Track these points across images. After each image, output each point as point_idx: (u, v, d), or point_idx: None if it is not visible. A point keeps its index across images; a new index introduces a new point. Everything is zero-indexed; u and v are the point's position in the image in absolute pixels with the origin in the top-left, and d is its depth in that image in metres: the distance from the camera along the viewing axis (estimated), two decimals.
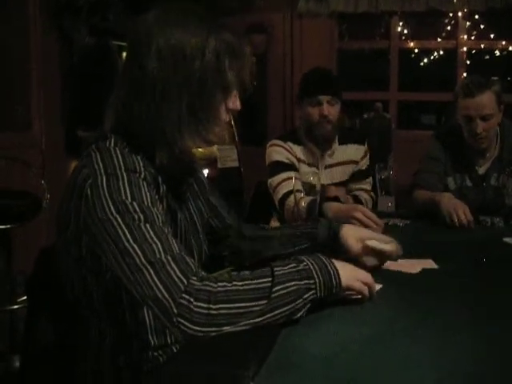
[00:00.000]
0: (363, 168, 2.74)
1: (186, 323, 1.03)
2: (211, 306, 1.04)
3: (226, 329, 1.05)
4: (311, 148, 2.66)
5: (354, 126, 4.77)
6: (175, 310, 1.03)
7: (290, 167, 2.54)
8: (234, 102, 1.28)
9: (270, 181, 2.57)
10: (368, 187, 2.70)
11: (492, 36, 5.26)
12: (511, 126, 2.71)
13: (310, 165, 2.64)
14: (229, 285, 1.08)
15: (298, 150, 2.65)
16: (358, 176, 2.71)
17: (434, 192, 2.59)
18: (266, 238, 1.62)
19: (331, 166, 2.69)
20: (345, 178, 2.70)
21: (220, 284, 1.08)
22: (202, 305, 1.04)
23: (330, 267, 1.21)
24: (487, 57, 5.47)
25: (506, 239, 2.05)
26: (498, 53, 5.33)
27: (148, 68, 1.22)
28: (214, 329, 1.04)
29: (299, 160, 2.62)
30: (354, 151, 2.74)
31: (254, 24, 5.17)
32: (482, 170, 2.73)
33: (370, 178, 2.66)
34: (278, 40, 5.32)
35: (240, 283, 1.10)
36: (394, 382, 0.94)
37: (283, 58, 5.30)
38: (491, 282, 1.58)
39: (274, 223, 2.61)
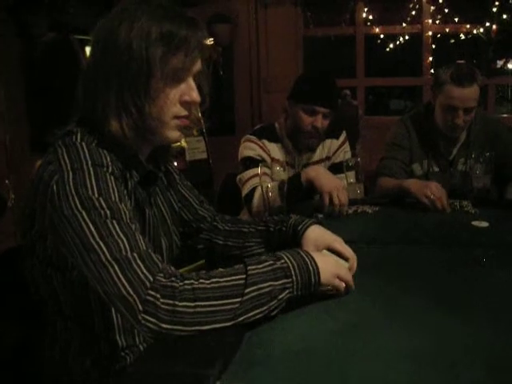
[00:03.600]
0: (336, 161, 2.69)
1: (152, 320, 1.01)
2: (176, 302, 1.02)
3: (197, 328, 1.03)
4: (289, 147, 2.61)
5: None
6: (140, 307, 1.01)
7: (260, 163, 2.47)
8: (189, 95, 1.24)
9: (239, 176, 2.53)
10: (348, 180, 2.52)
11: (456, 20, 5.28)
12: (479, 111, 2.72)
13: (286, 164, 2.57)
14: (196, 283, 1.06)
15: (274, 149, 2.60)
16: (332, 170, 2.64)
17: (398, 179, 2.60)
18: (240, 233, 1.58)
19: (308, 164, 2.65)
20: None
21: (186, 282, 1.05)
22: (168, 301, 1.02)
23: (310, 265, 1.19)
24: (452, 41, 5.49)
25: (475, 222, 2.06)
26: (462, 36, 5.36)
27: (93, 58, 1.22)
28: (180, 327, 1.02)
29: (273, 159, 2.55)
30: (329, 147, 2.71)
31: (218, 14, 5.12)
32: (450, 156, 2.74)
33: (353, 172, 2.50)
34: (243, 30, 5.27)
35: (208, 281, 1.07)
36: (363, 375, 0.93)
37: (249, 48, 5.26)
38: (458, 265, 1.58)
39: (244, 215, 2.58)
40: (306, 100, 2.46)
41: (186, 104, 1.24)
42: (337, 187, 2.18)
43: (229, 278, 1.09)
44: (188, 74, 1.23)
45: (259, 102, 5.23)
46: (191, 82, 1.24)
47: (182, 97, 1.23)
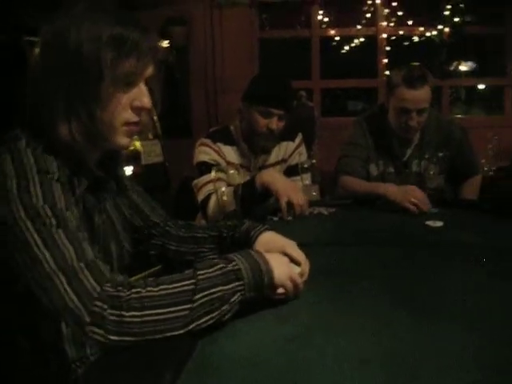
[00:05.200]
0: (292, 164, 2.66)
1: (100, 331, 0.98)
2: (123, 313, 0.99)
3: (147, 338, 1.00)
4: (245, 150, 2.58)
5: None
6: (87, 319, 0.98)
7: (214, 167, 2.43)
8: (140, 100, 1.21)
9: (195, 182, 2.49)
10: (303, 182, 2.50)
11: (410, 23, 5.37)
12: (432, 112, 2.75)
13: (242, 166, 2.54)
14: (143, 291, 1.03)
15: (229, 152, 2.55)
16: (288, 173, 2.62)
17: (361, 178, 2.60)
18: (194, 238, 1.55)
19: (264, 167, 2.62)
20: None
21: (134, 290, 1.02)
22: (115, 312, 0.98)
23: (262, 266, 1.17)
24: (406, 43, 5.58)
25: (428, 222, 2.08)
26: (416, 39, 5.44)
27: (41, 60, 1.17)
28: (128, 338, 0.99)
29: (229, 163, 2.51)
30: (285, 149, 2.69)
31: (173, 17, 5.09)
32: (404, 157, 2.76)
33: (308, 174, 2.49)
34: (198, 32, 5.25)
35: (156, 289, 1.04)
36: (316, 379, 0.91)
37: (204, 50, 5.24)
38: (414, 265, 1.59)
39: (200, 220, 2.54)
40: (260, 102, 2.42)
41: (137, 110, 1.21)
42: (293, 190, 2.17)
43: (177, 285, 1.06)
44: (140, 78, 1.20)
45: (215, 103, 5.21)
46: (143, 87, 1.21)
47: (133, 102, 1.20)
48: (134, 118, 1.21)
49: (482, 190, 2.92)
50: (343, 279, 1.44)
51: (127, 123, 1.20)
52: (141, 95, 1.20)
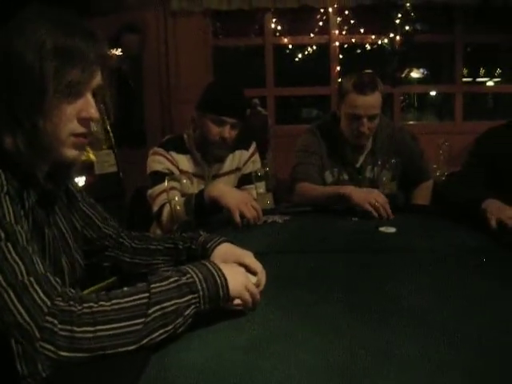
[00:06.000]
0: (246, 172, 2.66)
1: (51, 348, 0.95)
2: (75, 328, 0.96)
3: (99, 354, 0.97)
4: (198, 159, 2.56)
5: None
6: (38, 335, 0.95)
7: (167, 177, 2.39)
8: (87, 111, 1.18)
9: (149, 192, 2.46)
10: (257, 190, 2.51)
11: (362, 31, 5.44)
12: (384, 119, 2.78)
13: (195, 175, 2.54)
14: (95, 305, 1.00)
15: (183, 160, 2.53)
16: (243, 182, 2.64)
17: (317, 184, 2.61)
18: (149, 250, 1.54)
19: (218, 176, 2.61)
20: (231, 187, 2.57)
21: (85, 305, 0.99)
22: (66, 327, 0.96)
23: (218, 278, 1.16)
24: (358, 51, 5.65)
25: (382, 228, 2.10)
26: (368, 47, 5.52)
27: None
28: (80, 354, 0.96)
29: (182, 171, 2.49)
30: (239, 158, 2.68)
31: (127, 24, 5.04)
32: (357, 164, 2.79)
33: (263, 182, 2.50)
34: (152, 39, 5.21)
35: (108, 303, 1.01)
36: None
37: (158, 58, 5.21)
38: (367, 272, 1.60)
39: (155, 229, 2.51)
40: (213, 110, 2.42)
41: (83, 121, 1.18)
42: (243, 202, 2.15)
43: (130, 299, 1.04)
44: (86, 89, 1.17)
45: (170, 112, 5.17)
46: (89, 97, 1.18)
47: (79, 113, 1.16)
48: (81, 130, 1.18)
49: (433, 196, 2.98)
50: (299, 288, 1.44)
51: (74, 135, 1.17)
52: (87, 106, 1.17)
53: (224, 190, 2.24)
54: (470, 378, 0.94)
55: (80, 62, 1.13)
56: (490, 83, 7.11)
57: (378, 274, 1.57)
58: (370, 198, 2.27)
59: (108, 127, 3.85)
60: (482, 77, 7.39)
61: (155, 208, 2.39)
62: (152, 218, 2.55)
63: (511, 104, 6.01)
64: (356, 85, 2.54)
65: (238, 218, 2.12)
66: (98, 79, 1.19)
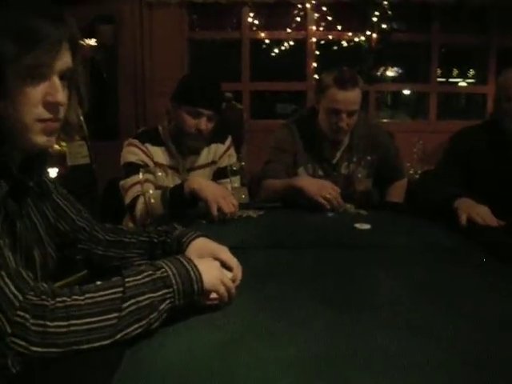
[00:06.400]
0: (222, 166, 2.64)
1: (22, 343, 0.92)
2: (48, 323, 0.94)
3: (72, 349, 0.95)
4: (173, 151, 2.54)
5: None
6: (9, 330, 0.92)
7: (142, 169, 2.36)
8: (53, 95, 1.12)
9: (121, 183, 2.42)
10: (232, 184, 2.48)
11: (339, 28, 5.46)
12: (362, 116, 2.79)
13: (170, 168, 2.51)
14: (68, 300, 0.98)
15: (158, 153, 2.50)
16: (218, 175, 2.62)
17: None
18: (122, 243, 1.51)
19: (193, 169, 2.60)
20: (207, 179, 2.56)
21: (58, 299, 0.97)
22: (39, 322, 0.93)
23: (192, 272, 1.14)
24: (335, 47, 5.66)
25: (357, 225, 2.10)
26: (345, 44, 5.53)
27: None
28: (53, 349, 0.94)
29: (157, 163, 2.46)
30: (214, 151, 2.66)
31: (102, 14, 4.98)
32: (333, 160, 2.79)
33: (238, 177, 2.47)
34: (127, 30, 5.15)
35: (82, 297, 0.99)
36: None
37: (133, 49, 5.15)
38: (342, 267, 1.60)
39: (127, 222, 2.48)
40: (189, 102, 2.39)
41: (50, 105, 1.12)
42: (222, 196, 2.15)
43: (104, 293, 1.02)
44: (50, 72, 1.12)
45: (144, 104, 5.12)
46: (56, 81, 1.13)
47: (45, 97, 1.12)
48: (47, 115, 1.12)
49: (407, 194, 3.00)
50: (274, 283, 1.43)
51: (40, 120, 1.13)
52: (53, 90, 1.11)
53: (203, 183, 2.24)
54: (443, 372, 0.94)
55: (44, 43, 1.07)
56: (463, 84, 7.20)
57: (353, 270, 1.57)
58: (323, 190, 2.29)
59: (81, 117, 3.78)
60: (454, 77, 7.47)
61: (128, 199, 2.36)
62: (124, 211, 2.52)
63: (483, 104, 6.08)
64: (337, 80, 2.55)
65: (215, 212, 2.11)
66: (64, 61, 1.14)
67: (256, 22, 5.40)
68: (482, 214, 2.04)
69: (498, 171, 2.38)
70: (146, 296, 1.04)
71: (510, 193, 2.26)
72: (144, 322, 1.03)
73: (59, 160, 3.82)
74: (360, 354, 1.01)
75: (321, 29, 5.46)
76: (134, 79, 5.16)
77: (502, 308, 1.27)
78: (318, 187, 2.33)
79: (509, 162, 2.31)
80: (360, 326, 1.14)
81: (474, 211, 2.05)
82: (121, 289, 1.03)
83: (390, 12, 5.24)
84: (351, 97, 2.56)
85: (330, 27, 5.45)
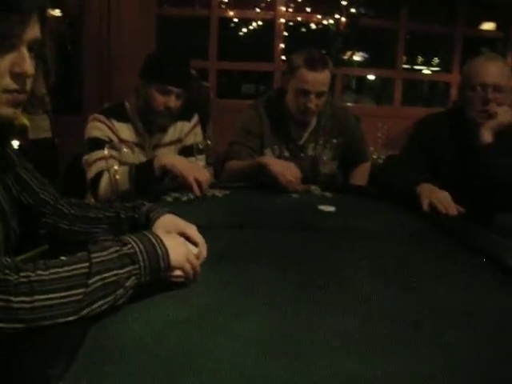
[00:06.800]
0: (187, 144, 2.63)
1: None
2: (11, 298, 0.91)
3: (37, 325, 0.93)
4: (140, 128, 2.51)
5: None
6: None
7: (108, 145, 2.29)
8: (20, 66, 1.08)
9: (85, 158, 2.39)
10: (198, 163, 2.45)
11: (308, 10, 5.45)
12: (329, 99, 2.80)
13: (135, 144, 2.48)
14: (32, 275, 0.95)
15: (123, 129, 2.47)
16: (183, 153, 2.58)
17: None
18: (88, 218, 1.48)
19: (158, 146, 2.57)
20: None
21: (22, 274, 0.95)
22: (2, 297, 0.91)
23: (158, 248, 1.13)
24: (304, 29, 5.66)
25: (321, 207, 2.12)
26: (313, 26, 5.53)
27: None
28: (16, 325, 0.92)
29: (122, 140, 2.43)
30: (181, 129, 2.64)
31: None
32: (300, 141, 2.80)
33: (203, 155, 2.46)
34: (93, 2, 5.03)
35: (46, 272, 0.97)
36: (214, 365, 0.89)
37: (99, 22, 5.03)
38: (307, 249, 1.62)
39: (89, 199, 2.45)
40: (159, 79, 2.37)
41: (17, 76, 1.09)
42: (197, 169, 2.20)
43: (70, 268, 1.00)
44: (19, 42, 1.09)
45: (109, 79, 5.03)
46: (24, 51, 1.10)
47: (12, 68, 1.09)
48: (14, 86, 1.09)
49: (370, 177, 3.03)
50: (238, 262, 1.44)
51: (7, 91, 1.10)
52: (21, 60, 1.08)
53: (176, 158, 2.28)
54: (408, 354, 0.96)
55: (14, 13, 1.05)
56: (427, 72, 7.29)
57: (317, 252, 1.59)
58: (286, 171, 2.32)
59: (43, 90, 3.69)
60: (419, 65, 7.56)
61: (91, 174, 2.33)
62: (87, 188, 2.49)
63: (447, 92, 6.17)
64: (307, 61, 2.56)
65: (194, 184, 2.13)
66: (33, 32, 1.11)
67: (225, 0, 5.34)
68: (443, 200, 2.09)
69: (461, 159, 2.43)
70: (113, 272, 1.03)
71: (471, 181, 2.31)
72: (110, 298, 1.02)
73: (21, 133, 3.74)
74: (322, 333, 1.02)
75: (290, 10, 5.44)
76: (100, 53, 5.05)
77: (464, 294, 1.30)
78: (282, 167, 2.35)
79: (471, 150, 2.35)
80: (323, 306, 1.16)
81: (435, 197, 2.09)
82: (87, 264, 1.01)
83: None
84: (320, 78, 2.57)
85: (299, 9, 5.44)
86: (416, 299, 1.23)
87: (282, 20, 5.41)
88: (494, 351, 0.99)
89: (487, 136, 2.32)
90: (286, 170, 2.33)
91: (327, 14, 5.38)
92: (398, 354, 0.95)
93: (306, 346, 0.97)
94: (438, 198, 2.10)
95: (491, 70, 2.34)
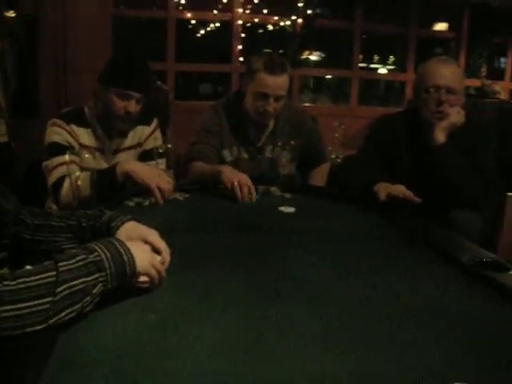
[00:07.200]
0: (147, 148, 2.62)
1: None
2: None
3: (5, 335, 0.94)
4: (99, 133, 2.50)
5: None
6: None
7: (68, 150, 2.22)
8: None
9: (45, 163, 2.37)
10: (158, 167, 2.44)
11: (265, 11, 5.48)
12: (287, 101, 2.83)
13: (96, 149, 2.48)
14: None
15: (83, 134, 2.45)
16: (144, 158, 2.58)
17: (210, 164, 2.63)
18: (50, 227, 1.48)
19: (118, 151, 2.57)
20: None
21: None
22: None
23: (124, 255, 1.16)
24: (261, 31, 5.70)
25: (282, 208, 2.15)
26: (270, 27, 5.57)
27: None
28: None
29: (82, 145, 2.42)
30: (140, 133, 2.64)
31: None
32: (258, 143, 2.83)
33: (164, 159, 2.44)
34: (49, 2, 4.94)
35: (13, 282, 0.98)
36: (184, 365, 0.93)
37: (55, 23, 4.94)
38: (267, 250, 1.65)
39: (50, 205, 2.44)
40: (119, 84, 2.37)
41: None
42: (159, 176, 2.20)
43: (37, 277, 1.01)
44: None
45: (65, 81, 4.96)
46: None
47: None
48: None
49: (329, 178, 3.08)
50: (202, 265, 1.46)
51: None
52: None
53: (137, 165, 2.29)
54: (372, 350, 1.00)
55: None
56: (383, 70, 7.41)
57: (276, 253, 1.62)
58: (234, 178, 2.31)
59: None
60: (375, 63, 7.68)
61: (52, 180, 2.31)
62: (46, 193, 2.48)
63: (402, 91, 6.29)
64: (267, 65, 2.58)
65: (157, 192, 2.13)
66: None
67: (182, 1, 5.33)
68: (400, 189, 2.16)
69: (416, 159, 2.50)
70: (80, 280, 1.05)
71: (426, 180, 2.38)
72: (77, 307, 1.04)
73: None
74: (286, 333, 1.06)
75: (247, 11, 5.46)
76: (56, 54, 4.98)
77: (423, 289, 1.36)
78: (232, 175, 2.34)
79: (425, 151, 2.42)
80: (286, 307, 1.19)
81: (392, 188, 2.16)
82: (54, 273, 1.03)
83: None
84: (280, 82, 2.60)
85: (256, 10, 5.47)
86: (377, 297, 1.29)
87: (240, 21, 5.43)
88: (454, 345, 1.05)
89: (440, 136, 2.39)
90: (235, 178, 2.31)
91: (284, 15, 5.42)
92: (360, 351, 1.00)
93: (270, 346, 1.00)
94: (396, 188, 2.17)
95: (444, 72, 2.41)
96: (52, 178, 2.31)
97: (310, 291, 1.31)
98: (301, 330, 1.08)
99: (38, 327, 0.97)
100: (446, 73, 2.41)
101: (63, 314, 1.01)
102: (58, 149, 2.30)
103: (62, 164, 2.24)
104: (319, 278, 1.40)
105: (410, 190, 2.19)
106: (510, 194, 2.63)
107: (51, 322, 0.99)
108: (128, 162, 2.32)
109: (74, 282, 1.04)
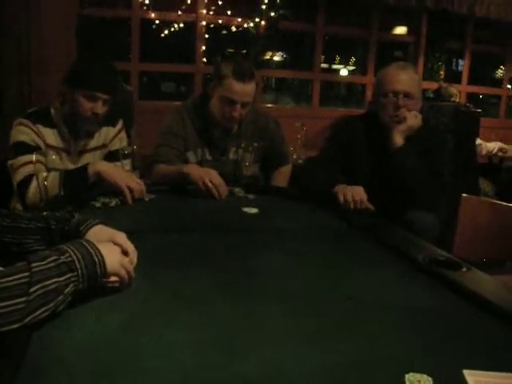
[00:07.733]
0: (113, 149, 2.65)
1: None
2: None
3: None
4: (65, 133, 2.51)
5: None
6: None
7: (34, 150, 2.30)
8: None
9: (11, 162, 2.38)
10: (124, 168, 2.48)
11: (229, 13, 5.53)
12: (251, 105, 2.88)
13: (62, 150, 2.49)
14: None
15: (49, 134, 2.47)
16: (109, 159, 2.60)
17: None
18: (19, 229, 1.48)
19: (84, 151, 2.59)
20: None
21: None
22: None
23: (95, 256, 1.20)
24: (224, 32, 5.73)
25: (245, 209, 2.21)
26: (234, 29, 5.61)
27: None
28: None
29: (48, 145, 2.44)
30: (105, 134, 2.66)
31: None
32: (222, 145, 2.87)
33: (129, 160, 2.50)
34: (14, 1, 4.88)
35: None
36: (155, 364, 0.96)
37: (19, 22, 4.90)
38: (232, 250, 1.70)
39: (15, 204, 2.44)
40: (85, 86, 2.39)
41: None
42: (129, 177, 2.27)
43: (10, 278, 1.04)
44: None
45: (29, 81, 4.91)
46: None
47: None
48: None
49: (291, 179, 3.14)
50: (168, 266, 1.50)
51: None
52: None
53: (109, 166, 2.35)
54: (335, 345, 1.07)
55: None
56: (345, 70, 7.53)
57: (240, 253, 1.67)
58: (205, 177, 2.38)
59: None
60: (337, 64, 7.80)
61: (18, 179, 2.32)
62: (11, 194, 2.48)
63: (363, 92, 6.41)
64: (236, 71, 2.62)
65: (128, 193, 2.20)
66: None
67: (146, 1, 5.33)
68: (356, 196, 2.22)
69: (375, 161, 2.58)
70: (52, 280, 1.09)
71: (384, 182, 2.46)
72: (51, 306, 1.08)
73: None
74: (253, 330, 1.11)
75: (211, 13, 5.50)
76: (19, 54, 4.93)
77: (381, 287, 1.43)
78: (201, 173, 2.41)
79: (384, 153, 2.51)
80: (252, 305, 1.25)
81: (350, 193, 2.23)
82: (27, 273, 1.06)
83: (278, 0, 5.40)
84: (247, 89, 2.64)
85: (219, 12, 5.51)
86: (338, 294, 1.36)
87: (203, 22, 5.46)
88: (412, 339, 1.12)
89: (398, 139, 2.48)
90: (204, 175, 2.39)
91: (247, 17, 5.48)
92: (323, 345, 1.06)
93: (238, 344, 1.06)
94: (353, 193, 2.23)
95: (402, 78, 2.50)
96: (18, 175, 2.32)
97: (273, 289, 1.36)
98: (266, 326, 1.14)
99: (15, 326, 1.01)
100: (404, 78, 2.50)
101: (38, 312, 1.05)
102: (25, 148, 2.32)
103: (28, 163, 2.26)
104: (282, 277, 1.46)
105: (370, 191, 2.26)
106: (464, 195, 2.73)
107: (26, 320, 1.03)
108: (99, 163, 2.38)
109: (47, 282, 1.08)
